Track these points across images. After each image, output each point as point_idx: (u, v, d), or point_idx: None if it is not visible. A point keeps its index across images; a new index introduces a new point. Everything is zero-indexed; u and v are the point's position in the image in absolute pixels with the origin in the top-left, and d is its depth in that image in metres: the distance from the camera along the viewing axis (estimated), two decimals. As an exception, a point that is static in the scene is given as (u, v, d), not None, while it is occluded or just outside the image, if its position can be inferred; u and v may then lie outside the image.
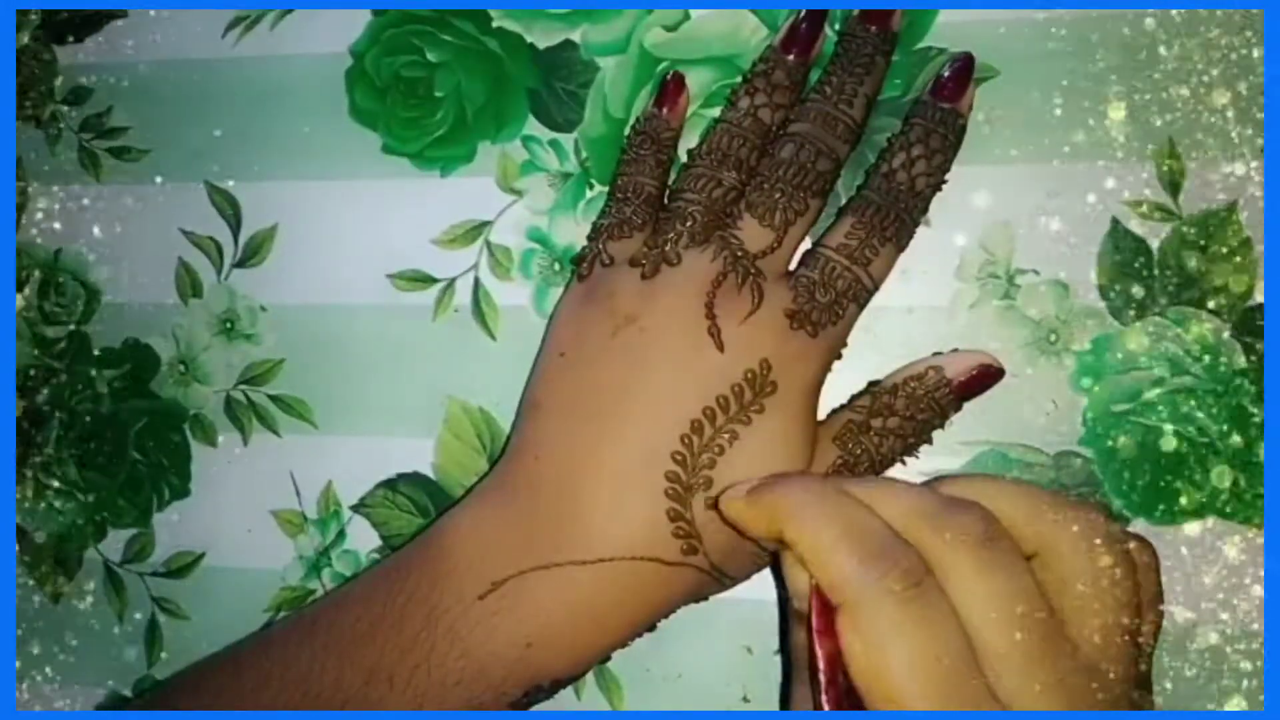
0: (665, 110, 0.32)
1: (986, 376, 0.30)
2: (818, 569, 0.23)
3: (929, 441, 0.30)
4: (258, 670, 0.29)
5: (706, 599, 0.30)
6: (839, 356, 0.30)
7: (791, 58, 0.31)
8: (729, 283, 0.29)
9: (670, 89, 0.32)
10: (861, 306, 0.30)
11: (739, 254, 0.29)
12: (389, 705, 0.28)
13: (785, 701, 0.28)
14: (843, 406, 0.31)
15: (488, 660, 0.28)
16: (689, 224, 0.30)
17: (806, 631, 0.23)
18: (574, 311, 0.31)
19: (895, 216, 0.30)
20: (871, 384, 0.31)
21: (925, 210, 0.30)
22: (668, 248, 0.30)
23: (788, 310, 0.29)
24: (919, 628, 0.22)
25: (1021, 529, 0.24)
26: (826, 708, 0.22)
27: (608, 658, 0.30)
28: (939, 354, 0.31)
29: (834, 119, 0.30)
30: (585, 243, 0.32)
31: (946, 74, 0.30)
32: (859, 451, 0.29)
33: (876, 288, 0.30)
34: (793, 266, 0.31)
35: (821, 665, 0.23)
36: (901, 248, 0.30)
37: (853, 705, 0.22)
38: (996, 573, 0.23)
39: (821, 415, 0.30)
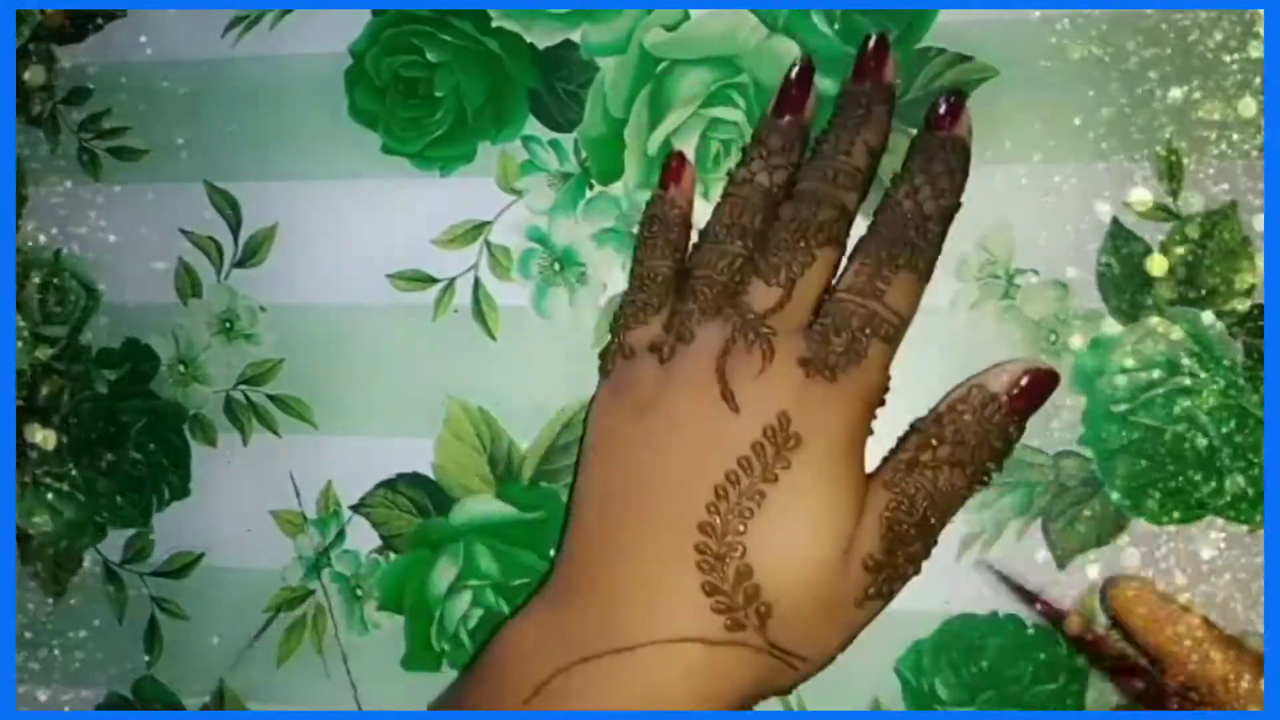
0: (670, 190, 0.32)
1: (1038, 384, 0.29)
2: None
3: (999, 469, 0.29)
4: None
5: (791, 690, 0.29)
6: (881, 402, 0.29)
7: (784, 121, 0.31)
8: (739, 346, 0.28)
9: (673, 167, 0.33)
10: (889, 341, 0.29)
11: (748, 316, 0.29)
12: None
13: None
14: (891, 451, 0.30)
15: None
16: (700, 300, 0.30)
17: None
18: (603, 408, 0.31)
19: (905, 244, 0.29)
20: (915, 422, 0.30)
21: (942, 232, 0.30)
22: (681, 327, 0.29)
23: (801, 358, 0.28)
24: None
25: None
26: None
27: None
28: (982, 371, 0.30)
29: (833, 171, 0.30)
30: (609, 336, 0.32)
31: (941, 109, 0.30)
32: (912, 490, 0.28)
33: (902, 319, 0.29)
34: None
35: None
36: (920, 273, 0.29)
37: None
38: None
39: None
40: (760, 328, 0.28)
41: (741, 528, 0.27)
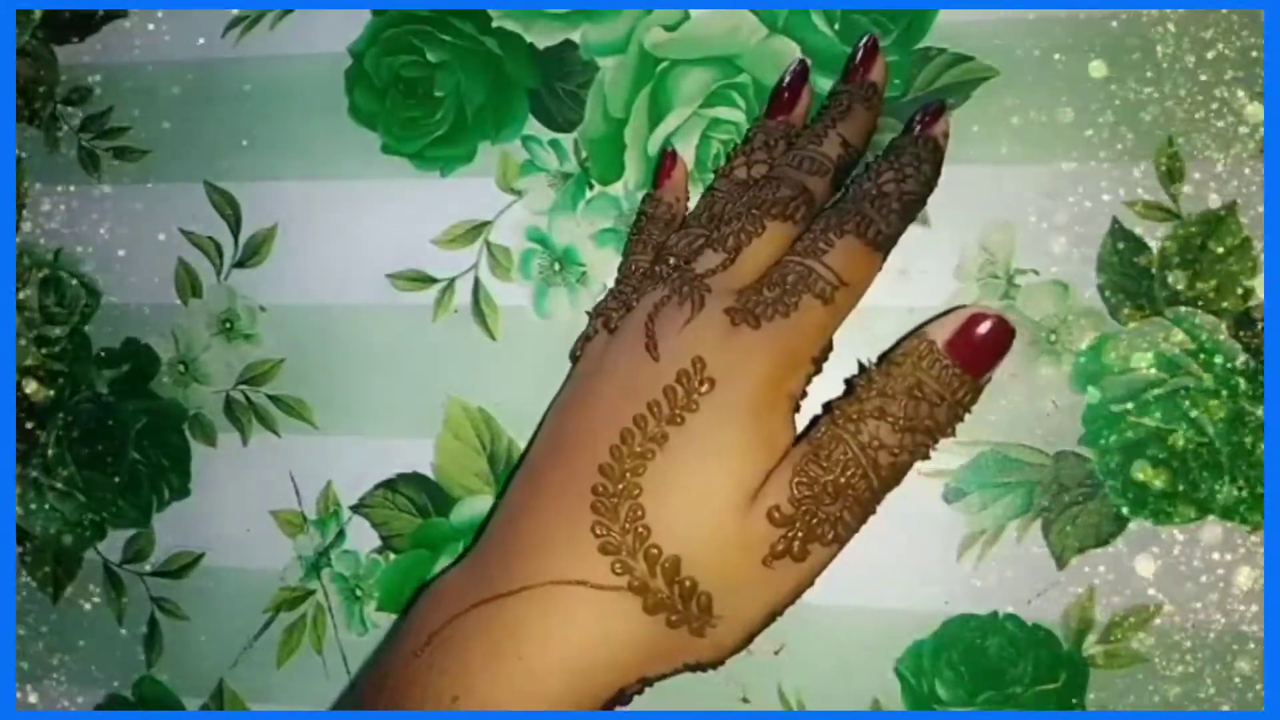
0: (663, 188, 0.33)
1: (987, 334, 0.26)
2: None
3: (944, 433, 0.27)
4: None
5: (711, 666, 0.27)
6: (821, 362, 0.28)
7: (773, 121, 0.32)
8: (673, 300, 0.28)
9: (665, 165, 0.33)
10: (824, 299, 0.27)
11: (687, 275, 0.29)
12: None
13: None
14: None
15: None
16: (656, 275, 0.30)
17: None
18: (560, 389, 0.31)
19: (855, 213, 0.28)
20: (850, 378, 0.28)
21: (901, 212, 0.29)
22: (629, 298, 0.30)
23: (728, 308, 0.27)
24: None
25: None
26: None
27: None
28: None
29: (802, 157, 0.30)
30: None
31: (920, 114, 0.31)
32: (831, 442, 0.26)
33: (842, 281, 0.27)
34: None
35: None
36: (869, 241, 0.28)
37: None
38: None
39: None
40: (694, 283, 0.28)
41: (641, 470, 0.26)
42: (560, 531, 0.26)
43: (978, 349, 0.26)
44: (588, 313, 0.33)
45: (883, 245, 0.28)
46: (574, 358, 0.32)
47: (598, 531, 0.26)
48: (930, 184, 0.30)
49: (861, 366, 0.28)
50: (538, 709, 0.25)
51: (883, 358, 0.28)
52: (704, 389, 0.26)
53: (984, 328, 0.26)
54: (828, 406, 0.28)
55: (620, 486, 0.26)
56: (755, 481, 0.26)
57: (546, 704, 0.25)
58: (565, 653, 0.25)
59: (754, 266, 0.28)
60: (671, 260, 0.30)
